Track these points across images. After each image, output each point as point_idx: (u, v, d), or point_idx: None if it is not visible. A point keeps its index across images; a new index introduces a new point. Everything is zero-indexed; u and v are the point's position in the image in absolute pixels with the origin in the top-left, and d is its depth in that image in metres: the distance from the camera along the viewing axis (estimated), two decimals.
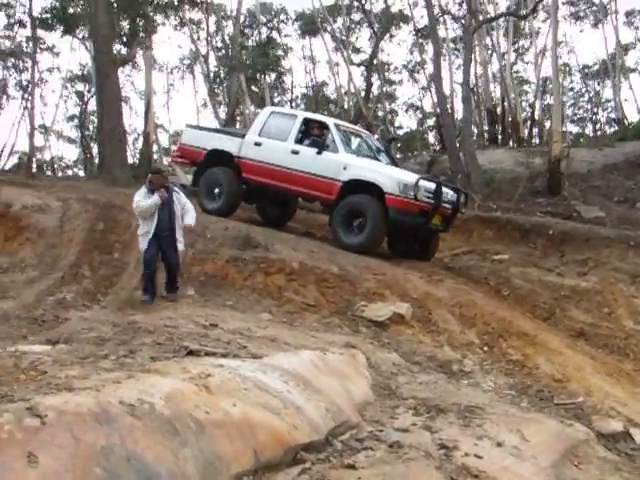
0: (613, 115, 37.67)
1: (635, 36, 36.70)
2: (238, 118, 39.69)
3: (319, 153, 11.55)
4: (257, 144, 12.28)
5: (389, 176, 11.16)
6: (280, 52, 33.75)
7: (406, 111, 43.86)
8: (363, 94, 32.90)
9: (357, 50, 37.31)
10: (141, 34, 18.22)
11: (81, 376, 4.39)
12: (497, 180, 18.23)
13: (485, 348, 8.12)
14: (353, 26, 37.20)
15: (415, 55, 37.80)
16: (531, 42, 36.52)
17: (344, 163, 11.33)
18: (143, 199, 8.15)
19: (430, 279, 9.78)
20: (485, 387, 6.99)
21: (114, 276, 9.30)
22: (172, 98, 43.74)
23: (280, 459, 4.33)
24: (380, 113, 40.34)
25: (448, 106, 30.82)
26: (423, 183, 11.08)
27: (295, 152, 11.82)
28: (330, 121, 12.63)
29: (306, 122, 12.37)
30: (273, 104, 36.20)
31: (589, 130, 42.03)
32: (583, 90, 42.91)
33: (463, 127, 19.39)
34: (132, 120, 41.29)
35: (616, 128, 33.02)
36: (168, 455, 3.71)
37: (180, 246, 8.40)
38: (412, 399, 6.20)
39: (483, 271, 11.60)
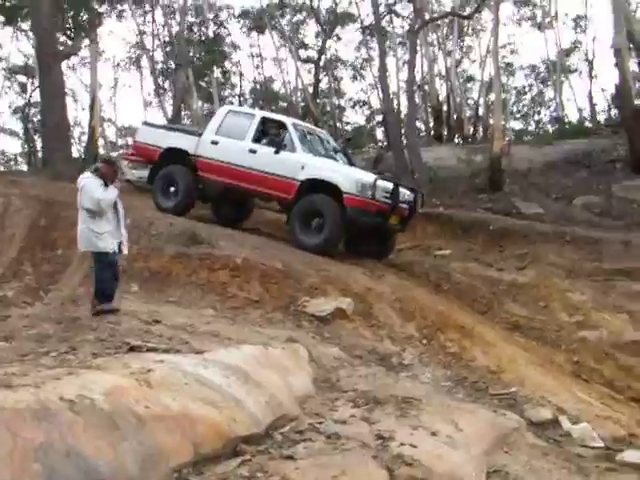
0: (555, 114, 38.64)
1: (576, 39, 37.61)
2: (186, 113, 39.53)
3: (277, 152, 11.56)
4: (214, 143, 12.23)
5: (347, 176, 11.21)
6: (226, 49, 33.60)
7: (353, 107, 44.10)
8: (311, 90, 33.15)
9: (305, 46, 37.38)
10: (84, 26, 17.92)
11: (21, 373, 4.42)
12: (440, 177, 18.58)
13: (424, 341, 8.35)
14: (301, 22, 37.22)
15: (362, 52, 38.05)
16: (477, 41, 37.25)
17: (302, 162, 11.36)
18: (101, 192, 7.10)
19: (372, 275, 9.99)
20: (423, 379, 7.21)
21: (57, 273, 9.25)
22: (119, 92, 43.18)
23: (220, 451, 4.44)
24: (328, 109, 40.54)
25: (395, 103, 31.31)
26: (381, 183, 11.14)
27: (252, 151, 11.80)
28: (288, 120, 12.64)
29: (264, 121, 12.36)
30: (221, 100, 36.13)
31: (532, 127, 42.96)
32: (526, 89, 43.85)
33: (407, 124, 19.73)
34: (78, 113, 40.65)
35: (556, 126, 33.86)
36: (107, 449, 3.79)
37: (125, 249, 7.60)
38: (352, 392, 6.37)
39: (424, 266, 11.88)
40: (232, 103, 37.39)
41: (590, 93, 34.81)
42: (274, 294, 8.89)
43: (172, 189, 12.42)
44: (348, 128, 42.68)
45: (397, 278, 10.14)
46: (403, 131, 21.86)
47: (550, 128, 37.16)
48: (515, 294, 11.10)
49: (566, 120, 34.68)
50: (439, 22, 32.50)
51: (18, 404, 3.62)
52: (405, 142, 19.33)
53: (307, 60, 36.70)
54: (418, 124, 39.30)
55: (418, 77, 35.98)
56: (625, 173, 18.72)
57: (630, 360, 8.96)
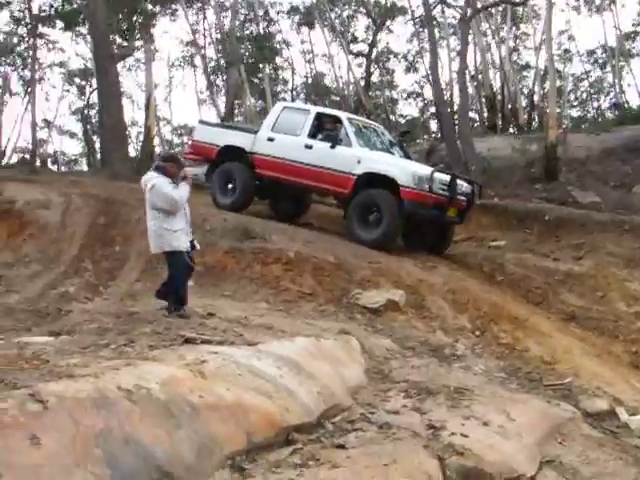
0: (614, 100, 37.70)
1: (638, 21, 36.47)
2: (239, 110, 39.98)
3: (332, 147, 11.57)
4: (270, 139, 12.31)
5: (403, 169, 11.18)
6: (277, 45, 33.82)
7: (406, 99, 43.90)
8: (363, 83, 33.09)
9: (355, 40, 37.32)
10: (138, 28, 18.32)
11: (82, 364, 4.61)
12: (494, 167, 18.36)
13: (477, 332, 8.34)
14: (350, 16, 37.17)
15: (414, 44, 37.78)
16: (533, 28, 36.55)
17: (358, 157, 11.36)
18: (171, 190, 6.90)
19: (424, 266, 10.00)
20: (476, 370, 7.19)
21: (115, 269, 9.52)
22: (174, 91, 43.92)
23: (272, 440, 4.55)
24: (381, 101, 40.42)
25: (448, 94, 31.07)
26: (438, 175, 11.10)
27: (308, 147, 11.86)
28: (343, 115, 12.68)
29: (319, 116, 12.39)
30: (273, 96, 36.41)
31: (591, 115, 41.96)
32: (583, 76, 42.87)
33: (460, 115, 19.53)
34: (134, 114, 41.57)
35: (616, 113, 33.03)
36: (164, 437, 3.93)
37: (198, 245, 7.51)
38: (404, 382, 6.41)
39: (478, 257, 11.80)
40: (284, 99, 37.69)
41: None
42: (326, 287, 8.99)
43: (230, 186, 12.54)
44: (402, 120, 42.45)
45: (450, 269, 10.12)
46: (456, 122, 21.72)
47: (610, 115, 36.23)
48: (571, 284, 10.93)
49: (626, 106, 33.83)
50: (492, 10, 32.11)
51: (79, 393, 3.77)
52: (458, 133, 19.12)
53: (358, 54, 36.63)
54: (472, 114, 38.92)
55: (471, 67, 35.88)
56: None
57: None
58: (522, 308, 9.23)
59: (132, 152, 29.05)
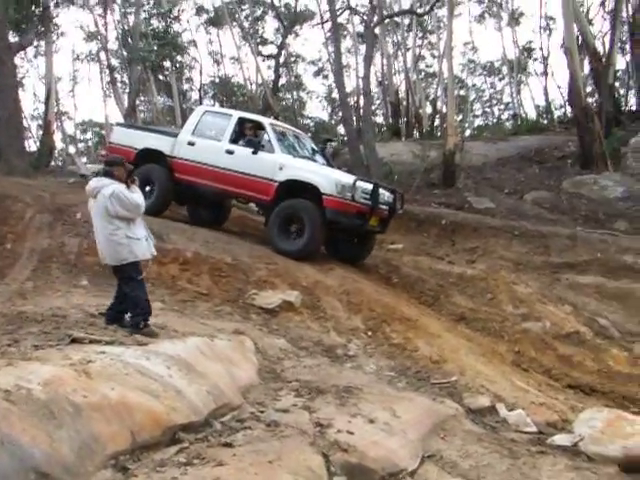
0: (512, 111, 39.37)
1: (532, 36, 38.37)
2: (146, 107, 39.28)
3: (254, 153, 11.36)
4: (190, 143, 12.02)
5: (326, 176, 11.04)
6: (184, 44, 33.42)
7: (320, 101, 44.34)
8: (271, 85, 33.17)
9: (265, 42, 37.39)
10: (37, 19, 17.70)
11: None
12: (396, 172, 18.82)
13: (369, 333, 8.54)
14: (260, 17, 37.22)
15: (327, 49, 38.16)
16: (438, 37, 37.62)
17: (280, 163, 11.17)
18: (132, 195, 6.49)
19: (321, 268, 10.14)
20: (367, 369, 7.40)
21: (5, 267, 9.19)
22: (79, 85, 42.67)
23: (158, 439, 4.56)
24: (289, 103, 40.63)
25: (355, 99, 31.56)
26: (360, 184, 10.98)
27: (230, 152, 11.61)
28: (266, 121, 12.52)
29: (241, 121, 12.14)
30: (180, 94, 35.97)
31: (492, 124, 43.56)
32: (484, 86, 44.56)
33: (363, 120, 19.89)
34: (36, 106, 40.06)
35: (512, 123, 34.48)
36: (43, 437, 3.88)
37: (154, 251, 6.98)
38: (295, 382, 6.53)
39: (375, 260, 12.08)
40: (199, 100, 37.33)
41: (546, 90, 35.50)
42: (223, 287, 9.00)
43: (147, 189, 11.94)
44: (310, 122, 42.77)
45: (346, 272, 10.31)
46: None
47: (509, 125, 37.75)
48: (463, 286, 11.37)
49: (523, 117, 35.36)
50: (398, 19, 32.89)
51: None
52: (360, 137, 19.46)
53: (267, 56, 36.72)
54: (380, 120, 39.82)
55: (380, 73, 36.58)
56: (575, 169, 19.24)
57: (569, 350, 9.30)
58: (414, 309, 9.54)
59: (33, 147, 28.03)
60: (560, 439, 6.27)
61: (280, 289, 9.03)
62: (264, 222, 11.76)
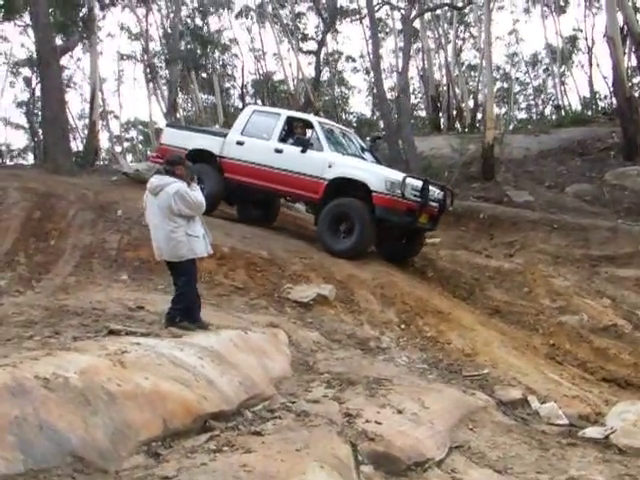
0: (555, 103, 38.79)
1: (577, 27, 37.64)
2: (190, 105, 39.84)
3: (303, 151, 11.35)
4: (239, 143, 12.04)
5: (375, 174, 10.97)
6: (227, 42, 33.89)
7: (364, 96, 44.30)
8: (312, 81, 33.28)
9: (305, 38, 37.50)
10: (79, 22, 18.11)
11: (2, 355, 4.71)
12: (435, 166, 18.77)
13: (402, 326, 8.61)
14: (301, 13, 37.36)
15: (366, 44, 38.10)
16: (479, 30, 37.26)
17: (329, 161, 11.14)
18: (195, 194, 6.60)
19: (356, 262, 10.22)
20: (399, 362, 7.47)
21: (49, 263, 9.50)
22: (124, 84, 43.31)
23: (189, 427, 4.73)
24: (327, 99, 40.77)
25: (394, 94, 31.45)
26: (410, 181, 10.87)
27: (279, 151, 11.59)
28: (314, 119, 12.46)
29: (289, 120, 12.14)
30: (222, 91, 36.39)
31: (535, 117, 42.99)
32: (528, 79, 43.97)
33: (401, 115, 19.87)
34: (83, 106, 40.92)
35: (556, 115, 34.00)
36: (79, 423, 4.08)
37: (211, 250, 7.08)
38: (327, 373, 6.65)
39: None
40: (233, 95, 37.74)
41: (590, 81, 34.85)
42: (259, 281, 9.15)
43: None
44: (352, 118, 42.80)
45: (380, 265, 10.36)
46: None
47: (552, 117, 37.23)
48: (500, 280, 11.35)
49: (568, 109, 34.86)
50: (439, 12, 32.70)
51: None
52: (399, 132, 19.45)
53: (308, 52, 36.84)
54: (422, 114, 39.66)
55: (420, 67, 36.46)
56: (618, 160, 18.93)
57: (605, 343, 9.21)
58: (448, 302, 9.56)
59: (80, 146, 28.68)
60: (591, 432, 6.26)
61: (315, 283, 9.14)
62: (314, 221, 11.70)
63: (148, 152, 43.56)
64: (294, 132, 11.96)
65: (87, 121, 35.02)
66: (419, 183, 11.04)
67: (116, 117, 44.07)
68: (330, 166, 11.12)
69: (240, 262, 9.37)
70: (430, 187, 11.14)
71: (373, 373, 6.70)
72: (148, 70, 26.27)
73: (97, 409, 4.23)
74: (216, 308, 7.93)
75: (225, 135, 12.51)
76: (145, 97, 60.12)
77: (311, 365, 6.93)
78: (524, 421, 6.55)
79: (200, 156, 12.08)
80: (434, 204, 11.34)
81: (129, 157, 43.43)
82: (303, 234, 12.13)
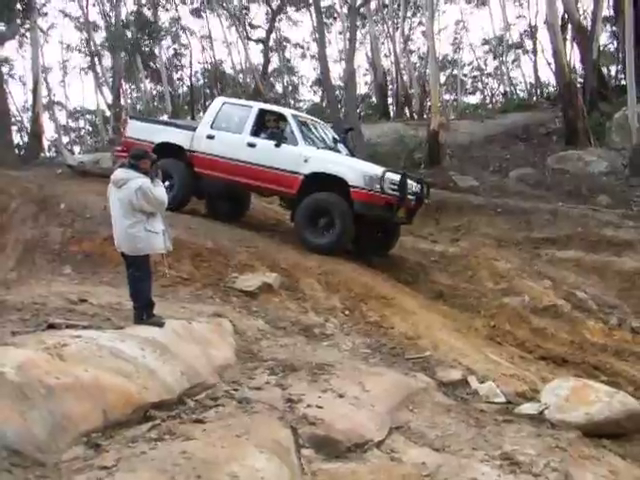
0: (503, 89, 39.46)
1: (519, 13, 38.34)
2: (137, 95, 39.30)
3: (277, 146, 11.13)
4: (210, 137, 11.79)
5: (353, 168, 10.86)
6: (176, 30, 33.54)
7: (311, 86, 44.34)
8: (261, 70, 33.27)
9: (253, 27, 37.38)
10: (21, 10, 17.67)
11: None
12: (381, 153, 18.91)
13: (347, 312, 8.73)
14: (248, 3, 37.16)
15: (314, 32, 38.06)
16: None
17: (305, 156, 10.96)
18: (158, 190, 6.53)
19: (301, 250, 10.31)
20: (342, 347, 7.59)
21: None
22: (68, 74, 42.46)
23: (129, 417, 4.78)
24: (281, 88, 40.75)
25: (342, 81, 31.55)
26: (389, 175, 10.75)
27: (252, 145, 11.36)
28: (287, 112, 12.24)
29: (261, 113, 11.86)
30: (169, 81, 36.02)
31: (487, 103, 43.62)
32: (477, 66, 44.56)
33: (347, 102, 20.00)
34: (27, 98, 40.05)
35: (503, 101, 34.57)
36: (16, 418, 4.10)
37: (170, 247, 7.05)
38: (271, 361, 6.73)
39: None
40: (182, 85, 37.39)
41: (535, 67, 35.49)
42: (204, 272, 9.17)
43: (167, 183, 11.30)
44: (302, 106, 42.81)
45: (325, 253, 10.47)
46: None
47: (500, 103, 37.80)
48: (445, 264, 11.58)
49: (514, 94, 35.46)
50: (387, 0, 32.90)
51: None
52: (345, 119, 19.53)
53: (256, 40, 36.71)
54: (373, 101, 39.83)
55: (368, 55, 36.56)
56: (560, 145, 19.39)
57: (544, 323, 9.50)
58: (392, 288, 9.72)
59: (25, 139, 28.05)
60: (527, 408, 6.49)
61: (260, 272, 9.20)
62: (290, 217, 11.62)
63: (92, 143, 43.00)
64: (266, 125, 11.75)
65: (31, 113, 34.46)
66: (397, 177, 10.95)
67: (63, 108, 43.42)
68: (306, 160, 10.96)
69: (185, 253, 9.35)
70: (408, 181, 11.08)
71: (316, 359, 6.80)
72: (91, 59, 25.83)
73: (35, 403, 4.25)
74: (161, 299, 7.91)
75: (194, 128, 12.24)
76: (92, 87, 59.24)
77: (255, 353, 7.00)
78: (463, 400, 6.73)
79: (168, 150, 11.79)
80: (411, 197, 11.29)
81: (77, 148, 42.79)
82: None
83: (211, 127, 11.96)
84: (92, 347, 5.23)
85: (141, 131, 12.51)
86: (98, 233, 9.74)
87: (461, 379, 7.17)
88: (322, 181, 10.78)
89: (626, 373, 8.35)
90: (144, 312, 6.54)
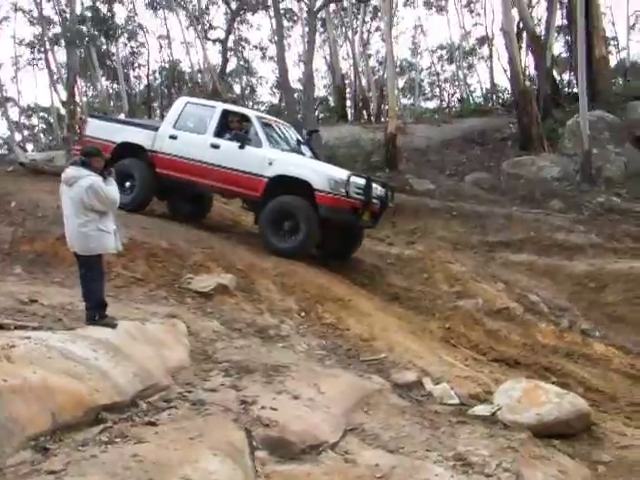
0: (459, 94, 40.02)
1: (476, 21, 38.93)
2: (92, 92, 38.71)
3: (241, 147, 11.00)
4: (172, 137, 11.59)
5: (318, 172, 10.75)
6: (130, 27, 33.12)
7: (271, 88, 44.25)
8: (219, 70, 33.03)
9: (212, 27, 37.13)
10: None
11: None
12: (339, 155, 18.94)
13: (302, 313, 8.73)
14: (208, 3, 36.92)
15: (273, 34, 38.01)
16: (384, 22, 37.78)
17: (269, 158, 10.85)
18: (109, 189, 6.40)
19: (257, 251, 10.28)
20: (298, 349, 7.58)
21: None
22: (21, 70, 41.47)
23: (79, 419, 4.67)
24: (238, 89, 40.55)
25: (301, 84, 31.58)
26: (354, 179, 10.69)
27: (215, 146, 11.23)
28: (252, 113, 12.12)
29: (225, 114, 11.73)
30: (126, 80, 35.56)
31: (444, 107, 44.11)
32: (434, 71, 45.05)
33: (305, 104, 20.03)
34: None
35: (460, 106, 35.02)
36: None
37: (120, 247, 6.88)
38: (226, 362, 6.68)
39: None
40: (139, 84, 36.93)
41: (491, 73, 36.03)
42: (159, 272, 9.05)
43: (127, 184, 11.53)
44: (261, 107, 42.70)
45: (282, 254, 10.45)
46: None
47: (456, 108, 38.30)
48: (401, 267, 11.67)
49: (471, 100, 35.96)
50: (346, 3, 32.99)
51: None
52: (303, 121, 19.56)
53: (215, 40, 36.46)
54: (332, 104, 39.93)
55: (326, 59, 36.69)
56: (515, 150, 19.71)
57: (497, 325, 9.65)
58: (348, 290, 9.74)
59: None
60: (480, 409, 6.58)
61: (215, 273, 9.13)
62: (254, 220, 11.52)
63: (47, 141, 42.24)
64: (230, 126, 11.59)
65: None
66: (362, 181, 10.89)
67: (15, 104, 42.55)
68: (270, 163, 10.84)
69: (139, 253, 9.23)
70: (372, 184, 11.05)
71: (271, 361, 6.77)
72: (45, 55, 25.37)
73: None
74: (114, 300, 7.79)
75: (156, 128, 11.99)
76: (46, 84, 58.26)
77: (210, 354, 6.94)
78: (418, 402, 6.79)
79: (129, 150, 11.63)
80: (376, 201, 11.23)
81: (30, 146, 41.98)
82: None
83: (174, 127, 11.77)
84: (42, 348, 5.12)
85: (101, 130, 12.21)
86: (50, 232, 9.53)
87: (416, 381, 7.25)
88: (287, 184, 10.69)
89: (576, 374, 8.51)
90: (96, 313, 6.41)
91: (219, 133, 11.45)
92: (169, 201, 12.93)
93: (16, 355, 4.81)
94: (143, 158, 11.66)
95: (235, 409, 5.37)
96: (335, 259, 11.41)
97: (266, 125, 11.76)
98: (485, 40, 37.12)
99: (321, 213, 10.45)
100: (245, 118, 11.72)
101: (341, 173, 10.95)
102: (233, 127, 11.56)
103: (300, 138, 12.80)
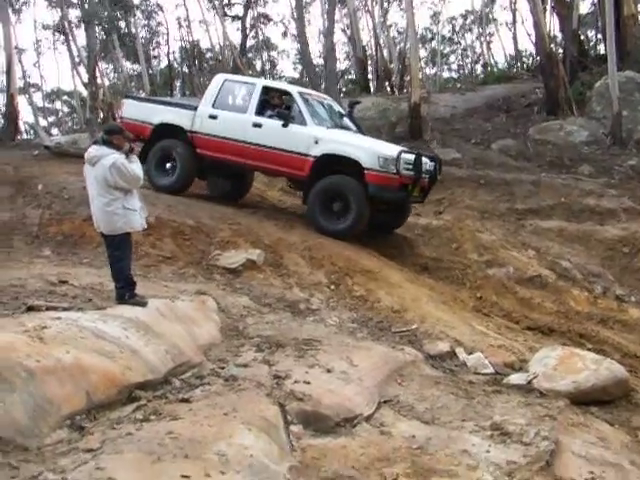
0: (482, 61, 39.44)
1: None
2: (113, 75, 38.83)
3: (285, 126, 10.67)
4: (212, 117, 11.25)
5: (367, 150, 10.40)
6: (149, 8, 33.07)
7: (294, 62, 44.01)
8: (239, 47, 32.90)
9: (230, 4, 36.83)
10: None
11: None
12: (363, 127, 18.75)
13: (332, 287, 8.67)
14: None
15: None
16: None
17: (314, 136, 10.52)
18: (133, 167, 6.36)
19: (283, 225, 10.20)
20: (328, 322, 7.53)
21: None
22: (44, 55, 41.75)
23: (114, 398, 4.68)
24: (259, 64, 40.40)
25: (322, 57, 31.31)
26: (404, 156, 10.34)
27: (257, 125, 10.90)
28: (293, 89, 11.71)
29: (266, 91, 11.36)
30: (147, 59, 35.54)
31: (463, 75, 43.54)
32: (457, 39, 44.43)
33: (327, 77, 19.81)
34: (1, 79, 39.37)
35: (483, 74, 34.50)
36: None
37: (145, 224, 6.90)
38: (257, 337, 6.67)
39: None
40: (160, 64, 36.87)
41: (515, 39, 35.50)
42: (186, 250, 9.05)
43: (168, 165, 11.44)
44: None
45: (308, 228, 10.31)
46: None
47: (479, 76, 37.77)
48: (429, 237, 11.53)
49: (494, 67, 35.43)
50: None
51: None
52: (325, 93, 19.35)
53: (233, 17, 36.25)
54: (353, 76, 39.60)
55: (347, 30, 36.20)
56: (542, 116, 19.36)
57: (529, 293, 9.51)
58: (377, 262, 9.63)
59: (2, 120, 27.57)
60: (515, 378, 6.49)
61: (243, 248, 9.09)
62: (302, 199, 11.27)
63: (71, 124, 42.45)
64: (272, 103, 11.31)
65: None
66: (412, 157, 10.57)
67: (39, 89, 42.76)
68: (317, 142, 10.51)
69: (167, 231, 9.22)
70: (422, 159, 10.71)
71: (303, 335, 6.74)
72: (66, 37, 25.33)
73: (15, 387, 4.13)
74: (143, 278, 7.81)
75: (195, 108, 11.64)
76: (68, 68, 58.37)
77: (241, 330, 6.93)
78: (452, 372, 6.72)
79: (168, 131, 11.45)
80: (425, 176, 10.91)
81: (55, 130, 42.21)
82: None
83: (213, 106, 11.43)
84: (73, 328, 5.13)
85: (138, 111, 11.96)
86: (77, 214, 9.59)
87: (449, 351, 7.17)
88: (334, 163, 10.44)
89: (612, 340, 8.37)
90: (126, 292, 6.41)
91: (260, 111, 11.13)
92: (209, 180, 12.71)
93: (48, 336, 4.82)
94: (183, 139, 11.43)
95: (268, 384, 5.34)
96: (380, 233, 11.17)
97: (309, 102, 11.36)
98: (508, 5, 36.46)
99: (370, 192, 10.13)
100: (286, 94, 11.44)
101: (391, 149, 10.64)
102: (274, 103, 11.30)
103: (342, 111, 12.43)
